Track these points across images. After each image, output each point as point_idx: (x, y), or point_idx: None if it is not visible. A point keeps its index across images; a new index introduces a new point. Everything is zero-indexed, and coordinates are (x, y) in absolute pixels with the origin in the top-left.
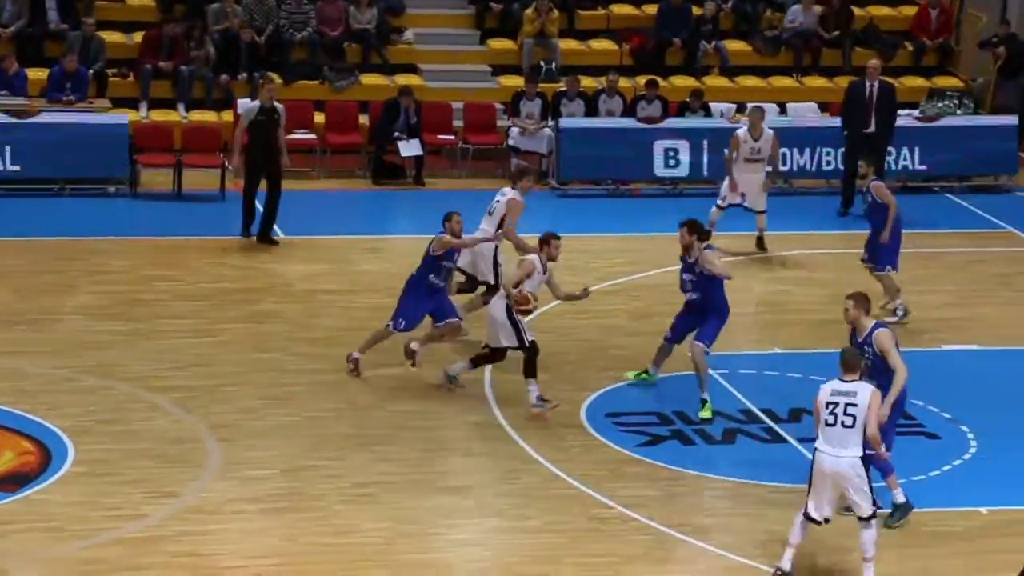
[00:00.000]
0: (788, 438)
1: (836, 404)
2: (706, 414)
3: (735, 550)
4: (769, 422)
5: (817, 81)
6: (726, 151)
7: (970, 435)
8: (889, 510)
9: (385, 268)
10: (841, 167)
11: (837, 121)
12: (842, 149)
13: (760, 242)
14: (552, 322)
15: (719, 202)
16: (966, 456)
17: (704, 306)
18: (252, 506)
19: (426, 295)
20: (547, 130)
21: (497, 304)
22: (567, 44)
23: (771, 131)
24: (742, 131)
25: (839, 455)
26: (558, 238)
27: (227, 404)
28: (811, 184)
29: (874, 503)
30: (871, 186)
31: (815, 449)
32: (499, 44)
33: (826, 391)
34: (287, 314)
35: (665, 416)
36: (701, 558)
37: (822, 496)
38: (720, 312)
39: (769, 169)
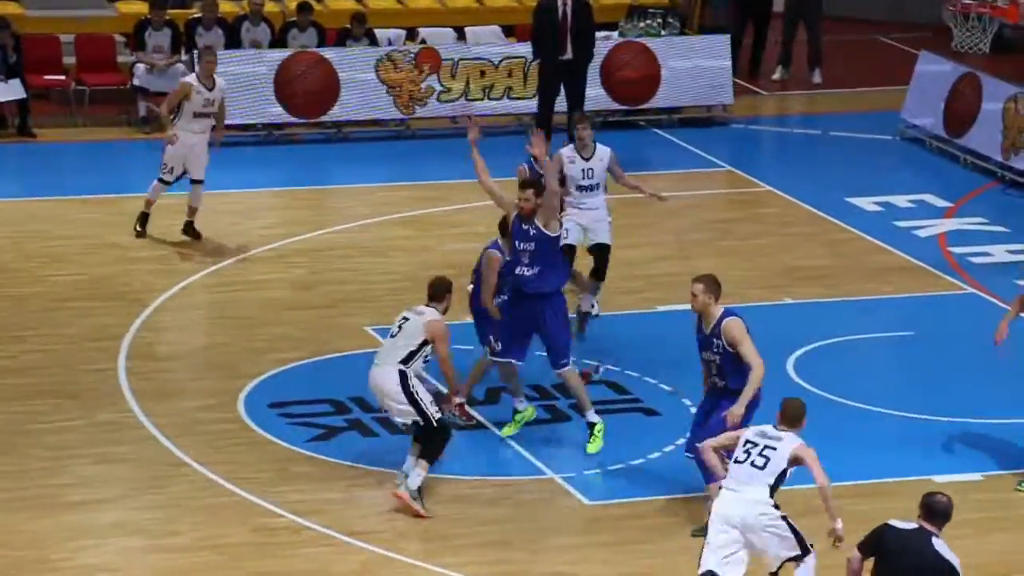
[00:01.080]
0: (486, 423)
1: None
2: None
3: (431, 558)
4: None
5: (499, 0)
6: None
7: (693, 410)
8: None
9: None
10: (535, 102)
11: (526, 47)
12: (533, 80)
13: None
14: (195, 297)
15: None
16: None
17: None
18: None
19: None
20: (180, 65)
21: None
22: None
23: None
24: (190, 78)
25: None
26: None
27: None
28: (499, 122)
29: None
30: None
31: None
32: None
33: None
34: None
35: (340, 403)
36: (390, 569)
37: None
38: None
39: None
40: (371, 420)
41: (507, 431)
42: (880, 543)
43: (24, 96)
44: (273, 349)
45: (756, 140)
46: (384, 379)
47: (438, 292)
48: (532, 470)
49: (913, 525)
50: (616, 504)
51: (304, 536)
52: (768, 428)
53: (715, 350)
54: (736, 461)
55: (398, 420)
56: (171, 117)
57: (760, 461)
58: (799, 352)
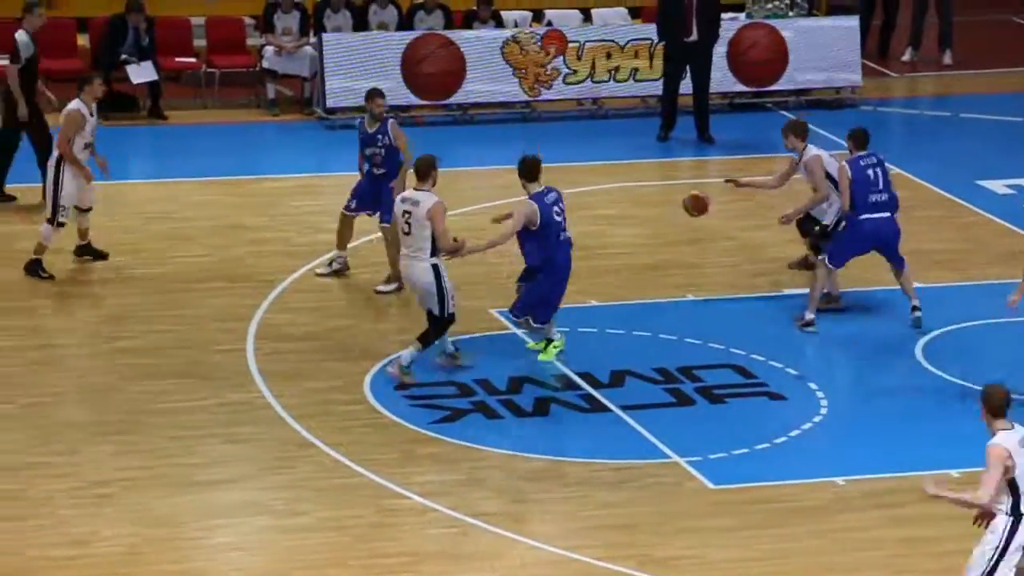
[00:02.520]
0: (610, 406)
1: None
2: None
3: (554, 540)
4: (588, 388)
5: None
6: None
7: (820, 394)
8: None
9: (121, 224)
10: (660, 83)
11: (651, 29)
12: (659, 62)
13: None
14: (322, 279)
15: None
16: (816, 419)
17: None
18: None
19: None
20: (308, 48)
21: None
22: None
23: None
24: (76, 104)
25: None
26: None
27: None
28: (624, 104)
29: None
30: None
31: None
32: None
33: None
34: None
35: (465, 386)
36: (514, 551)
37: None
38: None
39: None
40: (496, 403)
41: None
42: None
43: (156, 78)
44: (399, 331)
45: (885, 122)
46: (421, 274)
47: (423, 171)
48: (657, 453)
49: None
50: (740, 488)
51: (429, 517)
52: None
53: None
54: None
55: (425, 305)
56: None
57: None
58: (929, 337)
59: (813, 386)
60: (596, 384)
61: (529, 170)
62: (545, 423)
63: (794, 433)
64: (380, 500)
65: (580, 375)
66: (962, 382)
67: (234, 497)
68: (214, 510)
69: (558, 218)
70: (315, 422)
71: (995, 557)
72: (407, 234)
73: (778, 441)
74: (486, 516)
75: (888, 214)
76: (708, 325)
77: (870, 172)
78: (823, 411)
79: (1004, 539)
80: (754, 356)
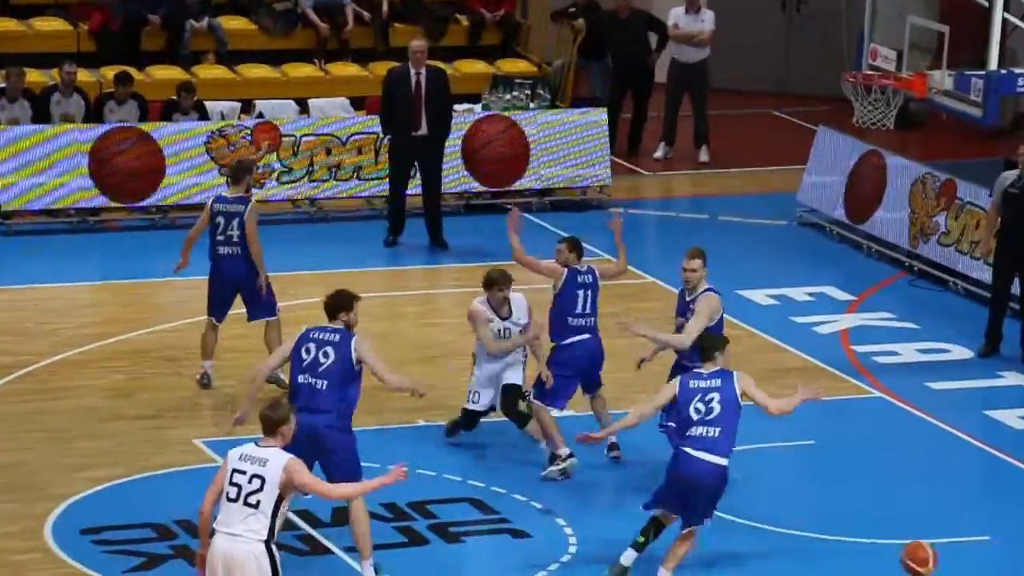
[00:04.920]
0: (332, 548)
1: None
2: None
3: None
4: (307, 527)
5: (347, 68)
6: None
7: (568, 530)
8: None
9: None
10: (387, 183)
11: (376, 121)
12: (385, 159)
13: None
14: None
15: None
16: (564, 558)
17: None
18: None
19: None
20: None
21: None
22: (1, 25)
23: None
24: None
25: None
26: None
27: None
28: (346, 206)
29: None
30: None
31: None
32: None
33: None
34: None
35: (164, 528)
36: None
37: None
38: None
39: None
40: (200, 546)
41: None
42: None
43: None
44: (87, 466)
45: (637, 225)
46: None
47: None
48: None
49: None
50: None
51: None
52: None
53: (686, 317)
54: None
55: None
56: None
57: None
58: None
59: (561, 521)
60: (315, 523)
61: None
62: None
63: (540, 574)
64: None
65: (297, 513)
66: (724, 515)
67: None
68: None
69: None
70: None
71: None
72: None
73: None
74: None
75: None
76: (443, 454)
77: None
78: (572, 549)
79: None
80: (495, 488)
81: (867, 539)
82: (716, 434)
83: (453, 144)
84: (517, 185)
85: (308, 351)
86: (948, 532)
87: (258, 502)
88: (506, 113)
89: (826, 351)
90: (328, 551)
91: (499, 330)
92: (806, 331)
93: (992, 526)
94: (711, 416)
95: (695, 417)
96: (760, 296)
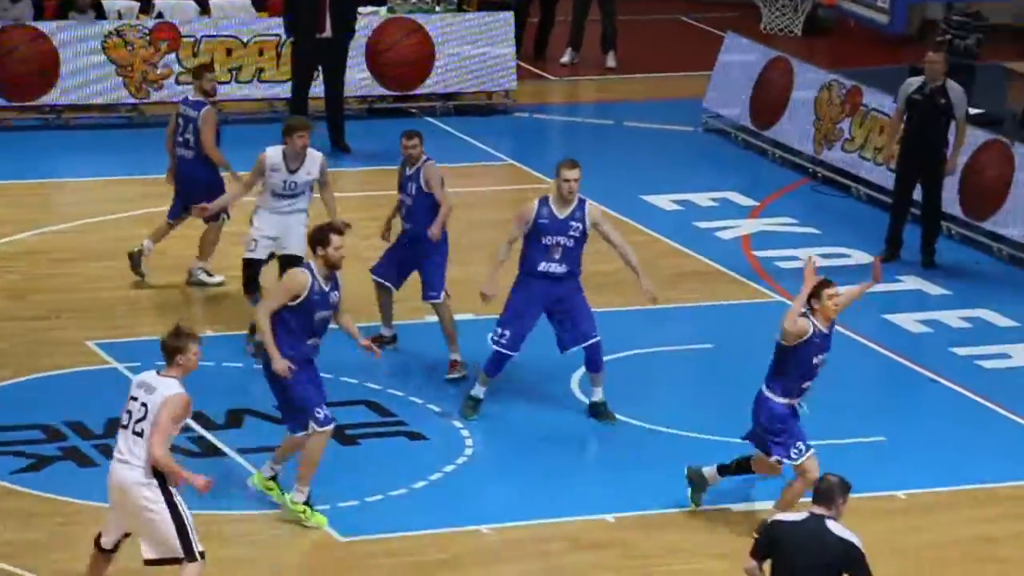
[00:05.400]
0: (226, 449)
1: None
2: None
3: None
4: (200, 430)
5: None
6: None
7: (465, 433)
8: None
9: None
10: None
11: (279, 23)
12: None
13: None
14: None
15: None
16: (461, 460)
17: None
18: None
19: None
20: None
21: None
22: None
23: None
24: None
25: None
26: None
27: None
28: (247, 109)
29: None
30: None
31: None
32: None
33: None
34: None
35: (54, 429)
36: None
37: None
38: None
39: None
40: (90, 448)
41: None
42: (773, 541)
43: None
44: None
45: (542, 131)
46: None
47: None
48: (276, 504)
49: (803, 514)
50: (373, 540)
51: None
52: None
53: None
54: None
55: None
56: None
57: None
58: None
59: (457, 424)
60: (209, 425)
61: None
62: None
63: (435, 477)
64: None
65: (192, 416)
66: (618, 415)
67: None
68: None
69: None
70: None
71: None
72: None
73: (418, 486)
74: None
75: None
76: (342, 357)
77: None
78: (468, 452)
79: None
80: (391, 391)
81: None
82: None
83: (357, 47)
84: (421, 89)
85: None
86: (845, 433)
87: (142, 431)
88: (412, 16)
89: (728, 256)
90: (221, 452)
91: (284, 182)
92: (709, 236)
93: (887, 427)
94: None
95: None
96: (664, 201)
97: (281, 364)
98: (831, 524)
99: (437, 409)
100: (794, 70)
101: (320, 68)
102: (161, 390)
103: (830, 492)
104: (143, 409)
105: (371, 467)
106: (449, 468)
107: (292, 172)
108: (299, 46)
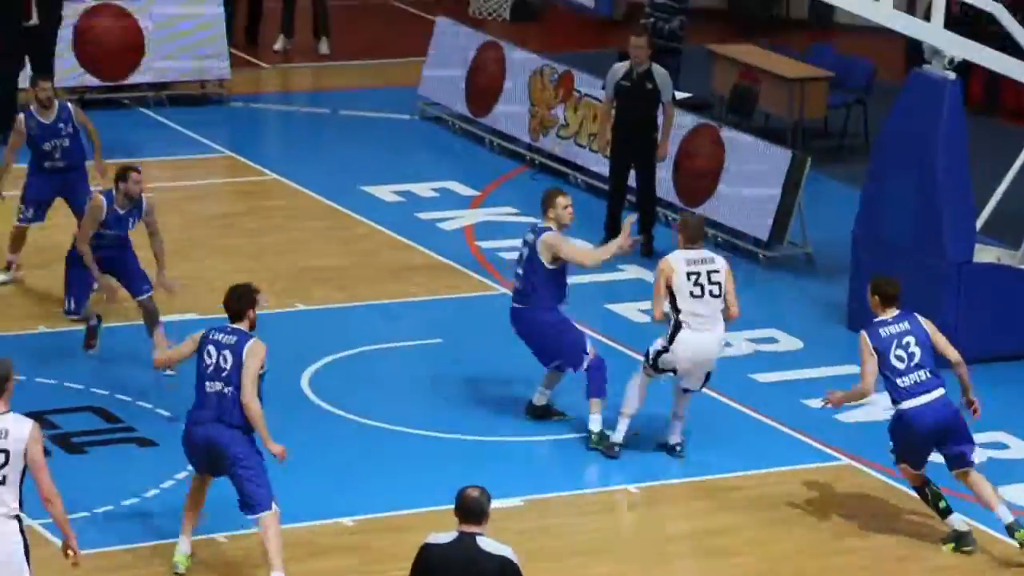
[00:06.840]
0: None
1: None
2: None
3: None
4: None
5: None
6: None
7: None
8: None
9: None
10: None
11: None
12: None
13: None
14: None
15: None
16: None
17: None
18: None
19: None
20: None
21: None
22: None
23: None
24: None
25: None
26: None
27: None
28: None
29: None
30: None
31: None
32: None
33: None
34: None
35: None
36: None
37: None
38: None
39: None
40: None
41: None
42: (426, 567)
43: None
44: None
45: (258, 121)
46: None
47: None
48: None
49: (453, 534)
50: (103, 553)
51: None
52: None
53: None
54: None
55: None
56: None
57: None
58: (314, 366)
59: None
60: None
61: None
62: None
63: (168, 484)
64: None
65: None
66: (349, 415)
67: None
68: None
69: None
70: None
71: None
72: None
73: (149, 495)
74: None
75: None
76: (64, 361)
77: None
78: None
79: None
80: (119, 396)
81: (493, 437)
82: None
83: (64, 35)
84: (132, 79)
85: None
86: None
87: (3, 477)
88: (118, 4)
89: (451, 248)
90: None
91: None
92: (431, 227)
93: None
94: (914, 361)
95: (901, 367)
96: (385, 192)
97: None
98: (482, 540)
99: (167, 414)
100: (506, 56)
101: (27, 57)
102: (14, 430)
103: (478, 507)
104: (2, 456)
105: (100, 476)
106: (181, 475)
107: None
108: (5, 33)
